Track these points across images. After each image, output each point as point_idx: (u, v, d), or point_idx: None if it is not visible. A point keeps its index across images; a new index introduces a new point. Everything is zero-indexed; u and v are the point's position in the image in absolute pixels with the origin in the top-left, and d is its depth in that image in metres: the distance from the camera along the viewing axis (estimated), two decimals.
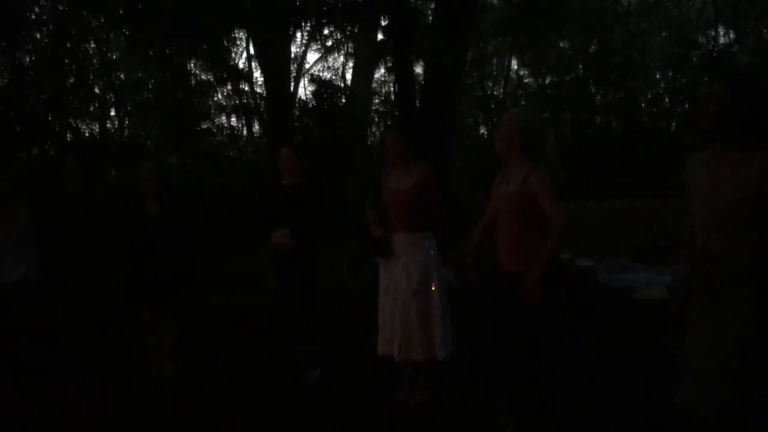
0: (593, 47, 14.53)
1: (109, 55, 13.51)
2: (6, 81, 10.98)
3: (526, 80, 17.42)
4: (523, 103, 16.26)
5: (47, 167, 10.21)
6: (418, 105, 10.48)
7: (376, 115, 15.66)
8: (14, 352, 4.85)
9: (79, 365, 5.39)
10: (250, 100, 14.52)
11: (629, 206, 9.29)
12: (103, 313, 6.64)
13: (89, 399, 4.69)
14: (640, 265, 6.81)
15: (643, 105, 15.35)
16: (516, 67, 17.34)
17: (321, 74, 16.14)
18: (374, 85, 16.74)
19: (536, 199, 3.51)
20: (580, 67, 14.82)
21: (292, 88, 14.28)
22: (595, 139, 13.44)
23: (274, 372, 5.13)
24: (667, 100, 15.35)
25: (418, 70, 12.89)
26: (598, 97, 14.68)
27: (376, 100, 16.66)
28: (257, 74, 14.98)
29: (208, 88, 13.88)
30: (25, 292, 5.06)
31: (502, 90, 17.02)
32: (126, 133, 13.52)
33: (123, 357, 5.61)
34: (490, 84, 16.62)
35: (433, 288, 4.33)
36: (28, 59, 10.94)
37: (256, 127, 15.07)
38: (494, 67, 17.32)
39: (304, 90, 16.35)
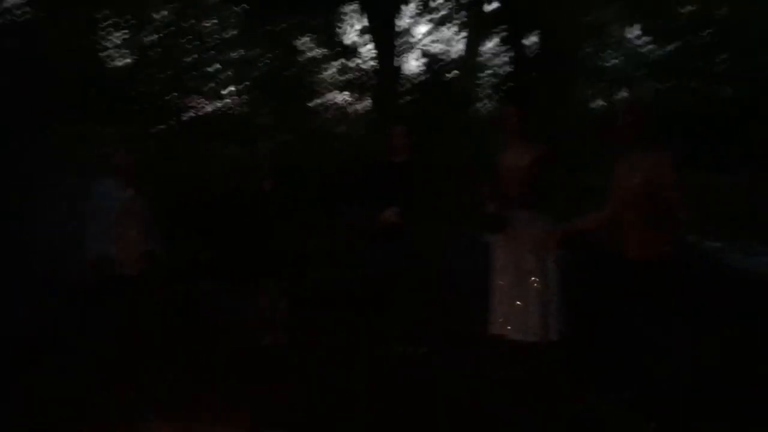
0: (723, 10, 13.46)
1: (224, 33, 13.91)
2: (132, 60, 11.53)
3: (647, 48, 16.44)
4: (642, 72, 15.43)
5: (169, 145, 10.65)
6: (533, 77, 10.12)
7: (486, 89, 15.28)
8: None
9: (195, 337, 5.59)
10: (361, 75, 14.55)
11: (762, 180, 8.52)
12: (213, 287, 6.84)
13: (201, 372, 4.82)
14: None
15: None
16: (637, 34, 16.38)
17: (431, 47, 15.91)
18: (485, 56, 16.29)
19: (661, 184, 3.32)
20: (708, 32, 13.79)
21: (401, 62, 14.16)
22: (724, 111, 12.49)
23: (376, 348, 5.10)
24: None
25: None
26: (726, 65, 13.66)
27: (488, 72, 16.21)
28: (369, 48, 14.99)
29: (319, 65, 14.01)
30: (150, 266, 5.29)
31: (622, 59, 16.19)
32: (241, 110, 13.91)
33: (232, 330, 5.76)
34: (610, 53, 15.82)
35: (549, 267, 4.18)
36: (151, 38, 11.43)
37: (366, 102, 15.12)
38: (613, 35, 16.42)
39: (413, 64, 16.22)
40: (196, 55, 12.02)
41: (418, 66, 13.49)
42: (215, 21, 12.83)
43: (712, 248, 6.08)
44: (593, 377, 4.07)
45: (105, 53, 10.85)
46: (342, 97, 14.66)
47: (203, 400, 4.26)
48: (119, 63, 11.64)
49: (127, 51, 11.69)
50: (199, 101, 12.44)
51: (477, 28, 13.54)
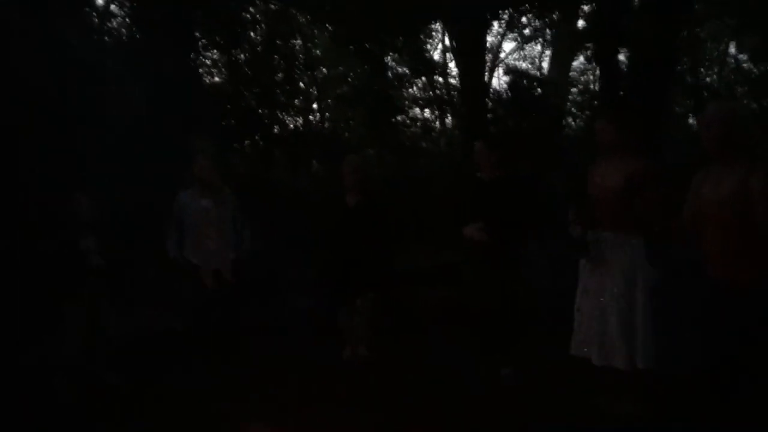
0: None
1: (313, 51, 14.26)
2: (224, 77, 11.97)
3: (744, 65, 15.75)
4: (740, 89, 14.82)
5: (257, 158, 10.96)
6: (621, 95, 9.84)
7: (573, 106, 15.02)
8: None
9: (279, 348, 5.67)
10: (444, 91, 14.60)
11: None
12: (304, 303, 6.89)
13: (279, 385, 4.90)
14: None
15: None
16: (734, 51, 15.74)
17: (517, 64, 15.84)
18: (572, 74, 16.03)
19: (754, 203, 3.12)
20: None
21: (487, 79, 14.11)
22: None
23: (467, 366, 5.03)
24: None
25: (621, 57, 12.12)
26: None
27: (574, 90, 15.94)
28: (452, 65, 15.04)
29: (404, 81, 14.12)
30: (238, 276, 5.33)
31: (716, 77, 15.60)
32: (327, 125, 14.19)
33: (323, 345, 5.78)
34: (703, 71, 15.27)
35: (638, 291, 4.00)
36: (242, 56, 11.83)
37: (449, 119, 15.15)
38: (708, 52, 15.83)
39: (499, 80, 16.15)
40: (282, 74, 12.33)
41: (505, 81, 13.44)
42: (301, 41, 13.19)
43: None
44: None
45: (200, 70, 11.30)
46: (426, 113, 14.75)
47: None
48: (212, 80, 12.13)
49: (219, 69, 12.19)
50: (286, 116, 12.78)
51: (568, 44, 13.32)
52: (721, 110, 3.40)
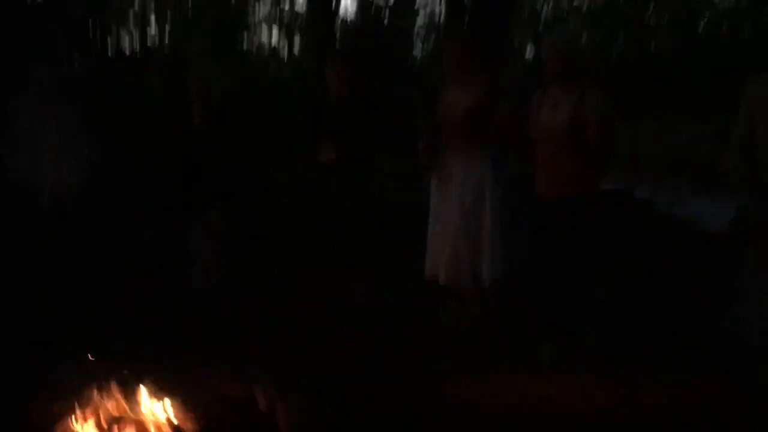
0: None
1: None
2: None
3: None
4: (571, 21, 15.71)
5: (93, 72, 10.16)
6: (466, 21, 10.08)
7: (421, 32, 15.21)
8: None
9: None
10: (292, 14, 14.25)
11: (689, 126, 8.64)
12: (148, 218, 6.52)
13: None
14: (702, 194, 6.37)
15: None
16: None
17: None
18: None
19: (587, 123, 3.37)
20: None
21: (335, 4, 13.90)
22: (651, 60, 12.83)
23: (319, 283, 5.09)
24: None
25: None
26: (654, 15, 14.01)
27: (421, 15, 16.10)
28: None
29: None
30: (75, 196, 5.06)
31: (550, 9, 16.39)
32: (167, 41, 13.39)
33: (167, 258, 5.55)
34: (540, 3, 15.97)
35: (485, 209, 4.18)
36: None
37: (297, 42, 14.85)
38: None
39: (348, 4, 15.96)
40: None
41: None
42: None
43: (641, 198, 6.22)
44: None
45: None
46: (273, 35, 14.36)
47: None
48: None
49: None
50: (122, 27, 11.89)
51: None
52: (565, 31, 3.63)
